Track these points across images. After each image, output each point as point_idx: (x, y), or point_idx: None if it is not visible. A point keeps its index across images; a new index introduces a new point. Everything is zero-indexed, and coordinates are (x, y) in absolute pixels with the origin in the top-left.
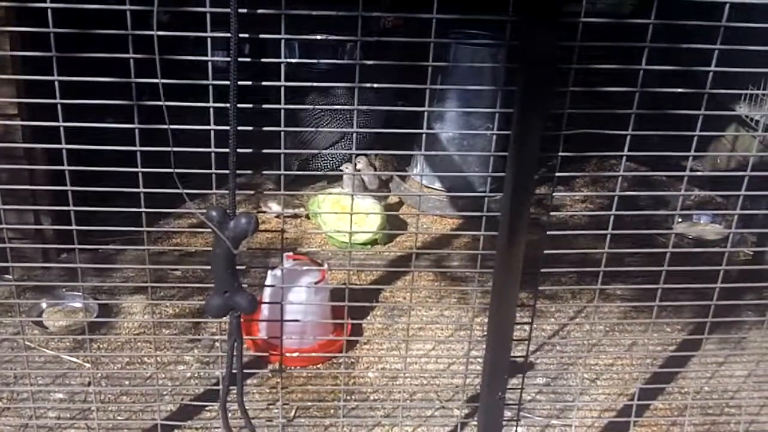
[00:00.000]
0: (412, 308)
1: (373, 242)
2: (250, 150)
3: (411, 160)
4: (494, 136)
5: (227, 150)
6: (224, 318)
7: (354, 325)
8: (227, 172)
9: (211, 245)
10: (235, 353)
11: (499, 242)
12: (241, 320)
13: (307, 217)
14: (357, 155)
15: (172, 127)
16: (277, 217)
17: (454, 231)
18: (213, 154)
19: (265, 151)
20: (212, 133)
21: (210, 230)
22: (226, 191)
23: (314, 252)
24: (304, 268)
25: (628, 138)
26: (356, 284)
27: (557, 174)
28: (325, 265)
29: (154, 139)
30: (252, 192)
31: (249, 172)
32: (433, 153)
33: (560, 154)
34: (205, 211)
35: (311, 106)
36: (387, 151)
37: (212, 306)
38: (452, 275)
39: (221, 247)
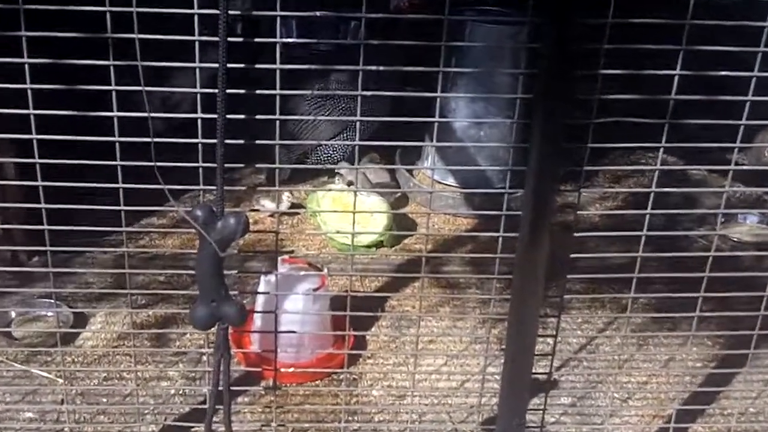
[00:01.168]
0: (421, 319)
1: (379, 244)
2: (241, 141)
3: (421, 153)
4: (514, 126)
5: (215, 141)
6: (211, 330)
7: (357, 338)
8: (214, 165)
9: (196, 248)
10: (222, 368)
11: (519, 245)
12: (231, 332)
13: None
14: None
15: (153, 115)
16: (272, 216)
17: (468, 232)
18: (200, 146)
19: (258, 142)
20: (199, 121)
21: (195, 231)
22: (213, 187)
23: (313, 255)
24: (302, 273)
25: (666, 127)
26: (359, 291)
27: (585, 168)
28: (325, 270)
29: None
30: (243, 188)
31: (240, 165)
32: (445, 144)
33: (589, 145)
34: (189, 209)
35: (309, 92)
36: (394, 143)
37: (197, 317)
38: (467, 282)
39: (207, 251)
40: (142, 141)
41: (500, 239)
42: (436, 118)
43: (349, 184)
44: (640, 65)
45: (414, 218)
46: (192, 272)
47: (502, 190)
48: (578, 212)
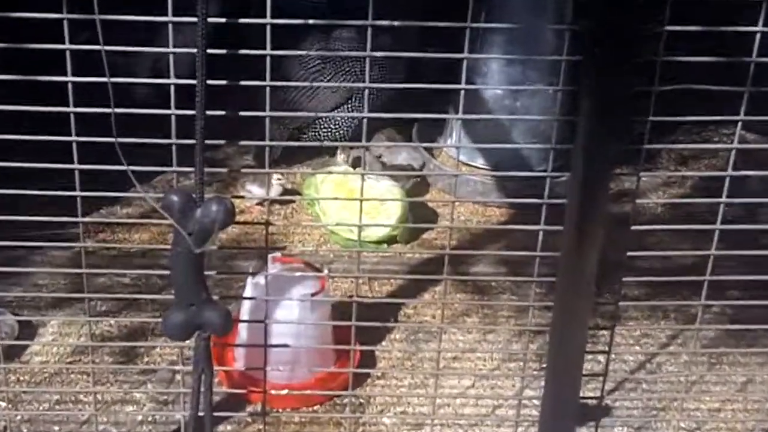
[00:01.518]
0: (443, 330)
1: (391, 240)
2: (224, 113)
3: (444, 128)
4: (558, 95)
5: (193, 112)
6: (188, 342)
7: (364, 353)
8: (193, 142)
9: (170, 242)
10: (203, 388)
11: (564, 241)
12: (212, 344)
13: (295, 193)
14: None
15: (113, 80)
16: (260, 204)
17: (502, 225)
18: (173, 118)
19: (244, 113)
20: (172, 88)
21: (169, 222)
22: (191, 169)
23: (310, 252)
24: (297, 274)
25: (745, 97)
26: (368, 297)
27: (645, 146)
28: (325, 271)
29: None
30: (226, 170)
31: (222, 142)
32: (474, 117)
33: (651, 118)
34: (162, 195)
35: (306, 52)
36: (411, 114)
37: (172, 324)
38: (499, 286)
39: (184, 245)
40: (100, 112)
41: (540, 234)
42: (463, 85)
43: (355, 165)
44: (714, 20)
45: (435, 208)
46: (165, 272)
47: (543, 174)
48: (637, 201)
